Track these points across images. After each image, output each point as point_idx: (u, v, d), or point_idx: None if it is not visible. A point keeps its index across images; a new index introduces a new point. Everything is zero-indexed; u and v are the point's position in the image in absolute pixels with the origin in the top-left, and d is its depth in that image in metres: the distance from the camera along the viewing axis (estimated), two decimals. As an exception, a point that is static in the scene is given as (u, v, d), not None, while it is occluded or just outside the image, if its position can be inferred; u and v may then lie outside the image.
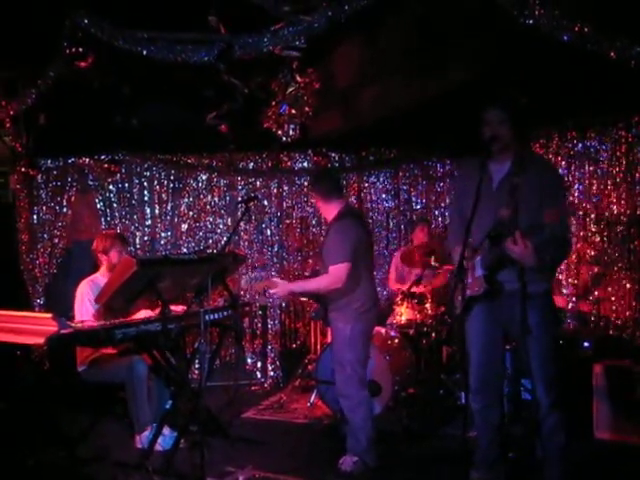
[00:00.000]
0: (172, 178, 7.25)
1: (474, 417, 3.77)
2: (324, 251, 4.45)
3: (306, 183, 7.36)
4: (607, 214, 5.79)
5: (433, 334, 5.93)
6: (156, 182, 7.22)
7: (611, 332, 5.67)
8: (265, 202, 7.34)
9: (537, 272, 3.36)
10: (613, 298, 5.73)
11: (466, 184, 3.66)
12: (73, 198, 7.07)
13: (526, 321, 3.33)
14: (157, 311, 4.78)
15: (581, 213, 5.94)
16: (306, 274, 6.94)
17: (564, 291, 6.03)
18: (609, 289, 5.77)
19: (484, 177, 3.36)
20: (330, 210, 4.52)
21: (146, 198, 7.20)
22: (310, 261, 7.34)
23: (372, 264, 4.74)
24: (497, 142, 3.48)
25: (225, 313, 4.94)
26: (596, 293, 5.83)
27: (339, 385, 4.44)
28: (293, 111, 5.54)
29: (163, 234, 7.22)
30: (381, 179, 7.56)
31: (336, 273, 4.27)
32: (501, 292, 3.48)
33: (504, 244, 3.28)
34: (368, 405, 4.47)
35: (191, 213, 7.28)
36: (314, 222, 7.45)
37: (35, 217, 7.00)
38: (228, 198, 7.35)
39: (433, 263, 6.12)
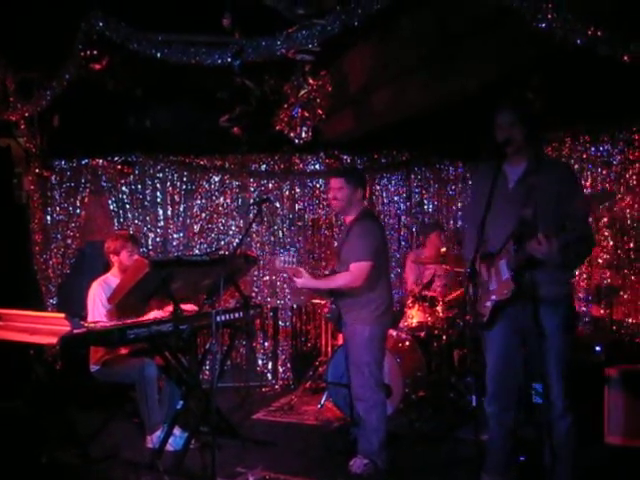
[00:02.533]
0: (185, 180, 7.27)
1: (488, 421, 3.77)
2: (344, 250, 4.45)
3: (318, 185, 7.39)
4: (620, 218, 5.77)
5: (444, 337, 5.92)
6: (169, 183, 7.24)
7: (623, 336, 5.64)
8: (277, 204, 7.36)
9: (562, 269, 3.41)
10: (625, 299, 5.70)
11: (482, 189, 3.63)
12: (86, 199, 7.11)
13: (540, 323, 3.40)
14: (167, 312, 4.81)
15: (594, 217, 5.92)
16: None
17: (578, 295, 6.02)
18: (621, 293, 5.74)
19: (499, 179, 3.36)
20: (355, 206, 4.49)
21: (159, 199, 7.24)
22: (323, 263, 7.36)
23: (388, 268, 4.76)
24: (510, 145, 3.48)
25: (236, 314, 4.96)
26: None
27: (355, 387, 4.43)
28: (305, 114, 5.54)
29: (175, 235, 7.25)
30: (393, 182, 7.57)
31: (357, 271, 4.29)
32: (532, 291, 3.44)
33: (528, 245, 3.29)
34: (383, 408, 4.47)
35: (203, 214, 7.30)
36: (326, 224, 7.46)
37: (49, 218, 7.04)
38: (240, 200, 7.37)
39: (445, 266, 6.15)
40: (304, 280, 4.46)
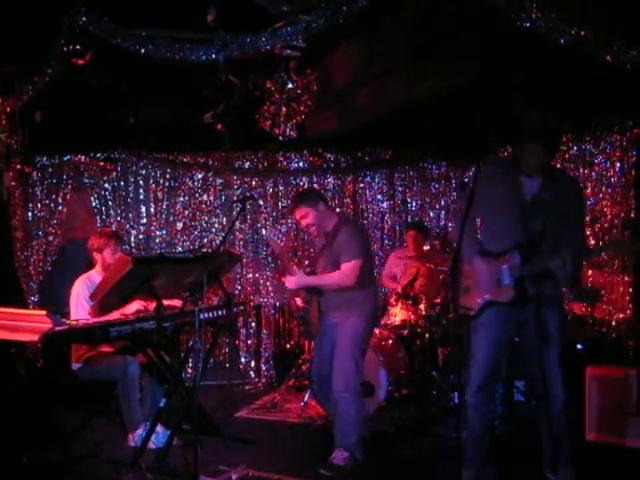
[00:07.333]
0: (168, 177, 7.25)
1: (469, 414, 3.82)
2: (333, 255, 4.53)
3: (301, 183, 7.40)
4: (601, 217, 5.81)
5: (427, 335, 5.94)
6: (152, 181, 7.21)
7: (605, 334, 5.68)
8: (260, 202, 7.35)
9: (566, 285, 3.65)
10: (605, 299, 5.75)
11: (490, 188, 3.72)
12: (68, 196, 7.05)
13: (545, 323, 3.64)
14: (149, 303, 4.78)
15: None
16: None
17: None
18: (603, 292, 5.78)
19: (514, 187, 3.60)
20: (329, 218, 4.63)
21: (142, 196, 7.20)
22: (306, 262, 7.36)
23: (374, 269, 4.86)
24: (535, 170, 3.62)
25: (219, 312, 4.94)
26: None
27: (339, 379, 4.46)
28: (290, 111, 5.54)
29: (158, 232, 7.21)
30: (376, 180, 7.58)
31: (347, 270, 4.40)
32: (529, 300, 3.62)
33: (550, 261, 3.45)
34: (361, 402, 4.56)
35: (186, 212, 7.28)
36: (309, 222, 7.45)
37: (30, 214, 6.96)
38: (224, 197, 7.36)
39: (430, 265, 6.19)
40: (298, 277, 4.59)
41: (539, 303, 3.62)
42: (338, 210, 7.47)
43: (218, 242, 6.88)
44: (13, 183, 6.85)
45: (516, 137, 3.69)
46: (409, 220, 7.43)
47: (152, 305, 4.61)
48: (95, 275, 5.05)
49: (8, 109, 6.06)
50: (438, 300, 6.13)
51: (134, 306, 4.73)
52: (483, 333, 3.75)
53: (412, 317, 5.98)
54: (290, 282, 4.62)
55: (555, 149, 3.83)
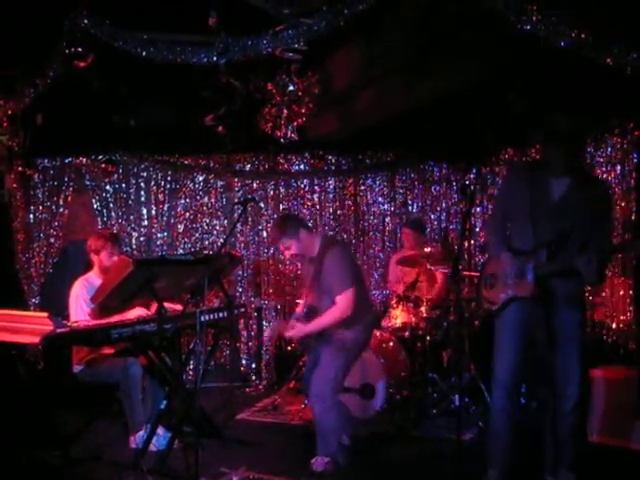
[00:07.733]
0: (169, 179, 7.26)
1: (494, 415, 3.86)
2: (325, 285, 4.48)
3: (302, 185, 7.40)
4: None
5: (428, 337, 5.94)
6: (153, 183, 7.22)
7: (605, 337, 5.68)
8: (262, 204, 7.36)
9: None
10: (607, 300, 5.75)
11: (519, 188, 3.79)
12: (70, 198, 7.06)
13: (576, 322, 3.69)
14: (152, 309, 4.78)
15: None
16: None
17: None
18: (604, 294, 5.78)
19: (543, 188, 3.65)
20: (311, 243, 4.56)
21: (143, 199, 7.21)
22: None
23: (364, 279, 4.93)
24: (564, 171, 3.66)
25: (220, 314, 4.95)
26: (590, 298, 5.84)
27: (318, 388, 4.43)
28: (291, 113, 5.55)
29: (159, 235, 7.22)
30: (377, 182, 7.58)
31: (344, 302, 4.35)
32: (550, 298, 3.65)
33: (577, 260, 3.47)
34: (340, 409, 4.55)
35: (187, 214, 7.29)
36: (310, 224, 7.46)
37: (31, 216, 6.98)
38: (225, 199, 7.36)
39: (429, 266, 6.16)
40: (296, 331, 4.57)
41: (560, 301, 3.64)
42: (339, 212, 7.49)
43: (219, 244, 6.89)
44: (14, 185, 6.88)
45: (544, 139, 3.73)
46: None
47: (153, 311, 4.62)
48: (93, 277, 5.05)
49: (10, 111, 6.08)
50: (439, 301, 6.14)
51: (135, 312, 4.73)
52: (507, 330, 3.78)
53: (413, 319, 5.97)
54: (291, 334, 4.62)
55: (582, 150, 3.85)
